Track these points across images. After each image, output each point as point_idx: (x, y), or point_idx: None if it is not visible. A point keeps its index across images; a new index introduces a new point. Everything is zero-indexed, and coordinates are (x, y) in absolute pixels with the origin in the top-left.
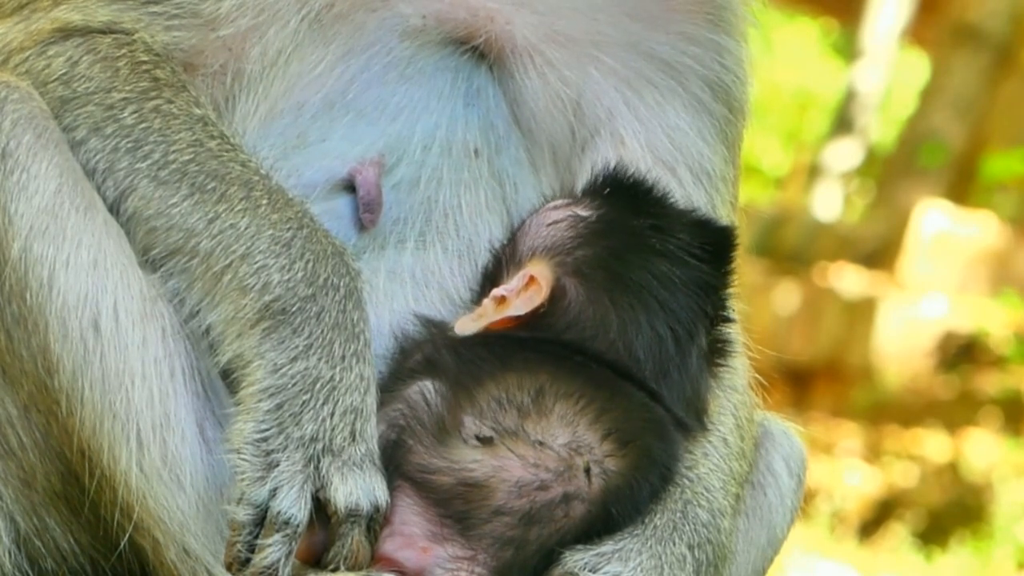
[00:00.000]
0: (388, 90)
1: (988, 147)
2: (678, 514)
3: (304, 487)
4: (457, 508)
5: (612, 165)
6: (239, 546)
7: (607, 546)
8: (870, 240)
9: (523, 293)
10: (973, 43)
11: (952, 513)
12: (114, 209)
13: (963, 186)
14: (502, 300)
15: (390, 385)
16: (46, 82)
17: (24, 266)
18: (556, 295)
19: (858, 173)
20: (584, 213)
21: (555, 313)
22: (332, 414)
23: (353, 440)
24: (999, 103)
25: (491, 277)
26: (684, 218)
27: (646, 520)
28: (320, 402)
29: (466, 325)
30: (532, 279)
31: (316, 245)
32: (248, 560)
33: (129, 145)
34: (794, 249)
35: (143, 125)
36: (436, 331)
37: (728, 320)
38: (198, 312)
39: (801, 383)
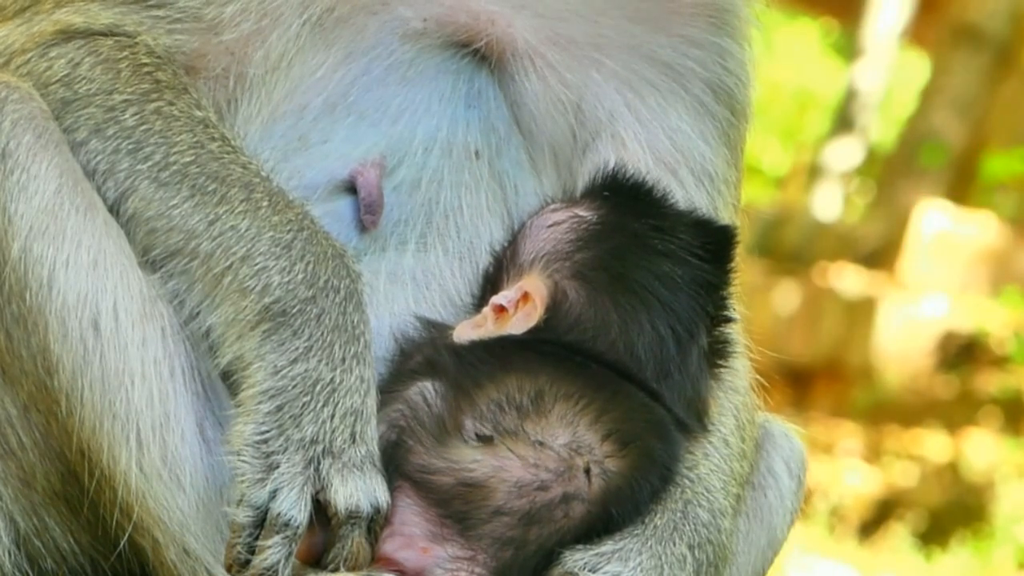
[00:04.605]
0: (389, 92)
1: (988, 147)
2: (678, 514)
3: (304, 489)
4: (457, 508)
5: (612, 166)
6: (239, 547)
7: (607, 546)
8: (870, 240)
9: (519, 310)
10: (973, 43)
11: (952, 513)
12: (114, 210)
13: (963, 186)
14: (501, 310)
15: (390, 386)
16: (47, 83)
17: (24, 266)
18: (556, 300)
19: (858, 173)
20: (585, 214)
21: (556, 317)
22: (332, 416)
23: (353, 442)
24: (999, 103)
25: (492, 280)
26: (684, 218)
27: (646, 520)
28: (320, 404)
29: (465, 332)
30: (527, 296)
31: (316, 247)
32: (248, 561)
33: (130, 147)
34: (794, 249)
35: (144, 127)
36: (436, 332)
37: (729, 320)
38: (198, 314)
39: (801, 383)
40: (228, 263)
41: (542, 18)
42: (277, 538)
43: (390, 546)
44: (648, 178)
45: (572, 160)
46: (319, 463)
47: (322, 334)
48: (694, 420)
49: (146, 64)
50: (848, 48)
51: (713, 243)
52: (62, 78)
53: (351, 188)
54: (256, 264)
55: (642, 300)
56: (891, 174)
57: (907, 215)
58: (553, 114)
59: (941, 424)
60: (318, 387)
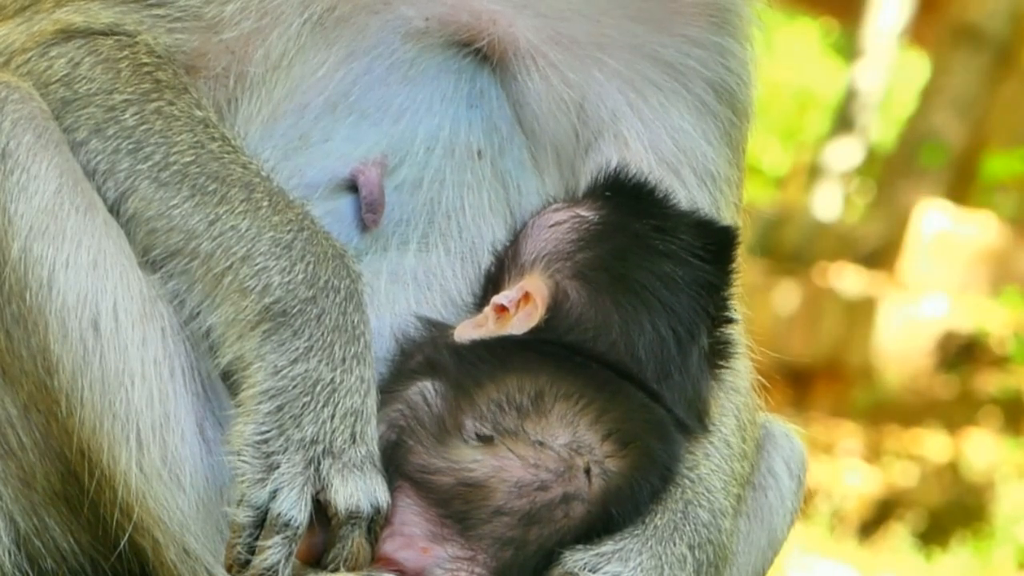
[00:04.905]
0: (391, 91)
1: (988, 147)
2: (679, 514)
3: (304, 489)
4: (457, 508)
5: (614, 166)
6: (239, 548)
7: (607, 546)
8: (870, 240)
9: (520, 310)
10: (973, 43)
11: (952, 513)
12: (114, 210)
13: (963, 186)
14: (502, 310)
15: (390, 386)
16: (48, 83)
17: (24, 266)
18: (557, 300)
19: (858, 173)
20: (586, 214)
21: (557, 317)
22: (332, 416)
23: (353, 442)
24: (999, 103)
25: (493, 280)
26: (686, 219)
27: (646, 520)
28: (320, 404)
29: (466, 332)
30: (528, 296)
31: (317, 247)
32: (248, 562)
33: (130, 146)
34: (794, 249)
35: (144, 127)
36: (437, 332)
37: (730, 320)
38: (198, 314)
39: (801, 383)
40: (228, 263)
41: (544, 17)
42: (277, 538)
43: (390, 546)
44: (650, 178)
45: (575, 160)
46: (319, 463)
47: (322, 334)
48: (695, 420)
49: (146, 63)
50: (848, 48)
51: (714, 244)
52: (62, 78)
53: (352, 187)
54: (256, 264)
55: (643, 300)
56: (891, 174)
57: (907, 215)
58: (555, 114)
59: (941, 424)
60: (318, 387)
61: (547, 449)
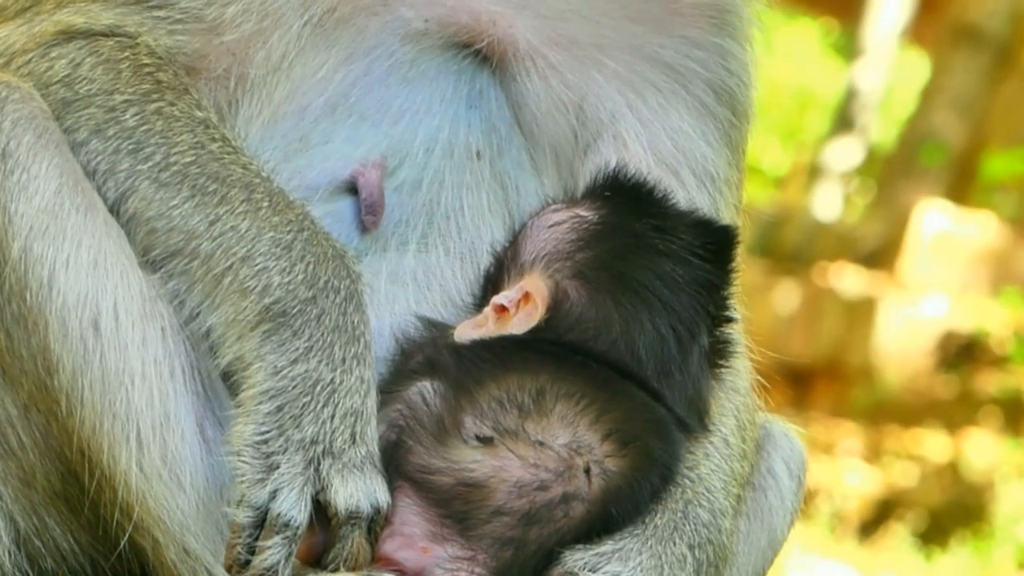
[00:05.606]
0: (390, 93)
1: (988, 147)
2: (679, 514)
3: (304, 489)
4: (457, 508)
5: (613, 166)
6: (239, 548)
7: (607, 546)
8: (870, 240)
9: (520, 310)
10: (973, 43)
11: (952, 513)
12: (115, 210)
13: (963, 186)
14: (502, 310)
15: (390, 386)
16: (48, 84)
17: (24, 266)
18: (557, 300)
19: (858, 173)
20: (586, 214)
21: (557, 317)
22: (332, 417)
23: (353, 442)
24: (999, 103)
25: (493, 280)
26: (685, 218)
27: (646, 520)
28: (320, 405)
29: (466, 332)
30: (528, 296)
31: (317, 248)
32: (248, 562)
33: (130, 147)
34: (794, 249)
35: (145, 127)
36: (437, 332)
37: (730, 320)
38: (198, 314)
39: (801, 383)
40: (228, 263)
41: (544, 19)
42: (277, 538)
43: (390, 546)
44: (649, 178)
45: (573, 160)
46: (319, 463)
47: (322, 335)
48: (695, 420)
49: (147, 65)
50: (848, 48)
51: (714, 243)
52: (63, 78)
53: (352, 189)
54: (256, 265)
55: (643, 300)
56: (891, 174)
57: (907, 215)
58: (555, 114)
59: (941, 424)
60: (318, 388)
61: (547, 449)
